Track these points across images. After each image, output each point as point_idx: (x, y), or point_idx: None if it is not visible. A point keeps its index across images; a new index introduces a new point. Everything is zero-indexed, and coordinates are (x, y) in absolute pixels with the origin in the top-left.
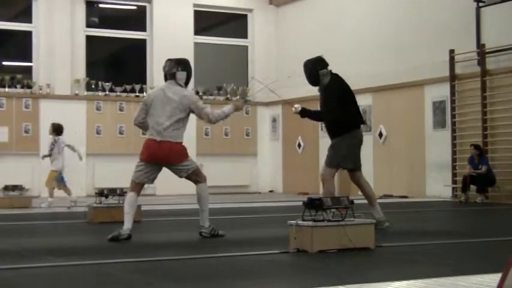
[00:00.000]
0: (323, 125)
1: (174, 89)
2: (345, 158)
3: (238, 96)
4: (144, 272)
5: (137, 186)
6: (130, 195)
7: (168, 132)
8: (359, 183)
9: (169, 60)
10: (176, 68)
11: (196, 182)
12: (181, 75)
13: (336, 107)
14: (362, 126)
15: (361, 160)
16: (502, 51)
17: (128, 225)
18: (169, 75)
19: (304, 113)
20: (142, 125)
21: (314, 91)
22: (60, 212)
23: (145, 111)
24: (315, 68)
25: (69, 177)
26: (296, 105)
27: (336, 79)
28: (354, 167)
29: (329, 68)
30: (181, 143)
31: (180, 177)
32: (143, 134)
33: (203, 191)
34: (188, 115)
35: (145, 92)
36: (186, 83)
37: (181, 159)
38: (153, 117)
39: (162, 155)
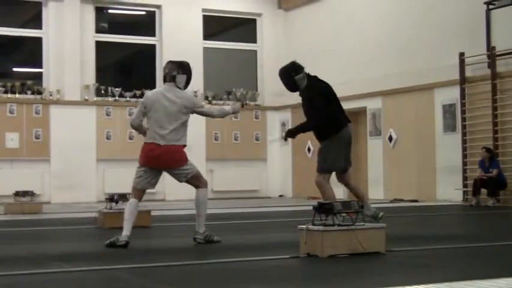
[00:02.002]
0: None
1: (175, 92)
2: (336, 160)
3: (237, 100)
4: (153, 277)
5: (139, 193)
6: (131, 202)
7: (171, 135)
8: (348, 183)
9: (170, 62)
10: (177, 70)
11: (196, 186)
12: (181, 78)
13: (323, 107)
14: (350, 125)
15: (351, 158)
16: None
17: (126, 232)
18: (169, 78)
19: (293, 132)
20: (138, 127)
21: None
22: (70, 218)
23: (144, 114)
24: (291, 75)
25: (79, 183)
26: (282, 135)
27: (314, 80)
28: (345, 167)
29: (306, 70)
30: (185, 146)
31: (180, 181)
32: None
33: (203, 196)
34: (189, 117)
35: None
36: (185, 87)
37: (181, 163)
38: (155, 121)
39: (164, 160)
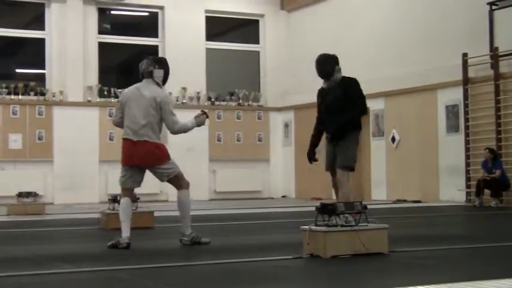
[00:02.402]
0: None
1: (150, 87)
2: (356, 159)
3: (199, 111)
4: (155, 278)
5: (127, 192)
6: (123, 202)
7: (143, 131)
8: (340, 181)
9: (146, 58)
10: (153, 65)
11: (178, 187)
12: (158, 73)
13: (358, 102)
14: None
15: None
16: None
17: (126, 233)
18: (146, 74)
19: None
20: (120, 125)
21: None
22: (73, 219)
23: (122, 111)
24: (333, 62)
25: (82, 184)
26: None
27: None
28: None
29: None
30: (159, 143)
31: (161, 181)
32: None
33: (185, 197)
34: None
35: None
36: (164, 82)
37: (160, 160)
38: (129, 117)
39: (140, 156)
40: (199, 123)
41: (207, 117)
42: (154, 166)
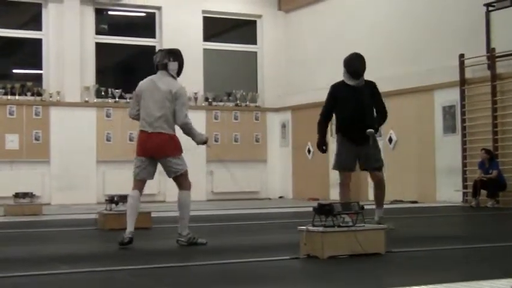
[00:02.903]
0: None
1: (165, 79)
2: None
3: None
4: (153, 279)
5: (139, 184)
6: (132, 196)
7: (159, 123)
8: (383, 181)
9: (160, 50)
10: (168, 58)
11: (180, 187)
12: (173, 65)
13: (384, 105)
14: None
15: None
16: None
17: (129, 228)
18: (160, 66)
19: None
20: (137, 117)
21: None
22: (70, 219)
23: (138, 103)
24: (365, 62)
25: (79, 184)
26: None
27: None
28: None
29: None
30: (174, 135)
31: (169, 176)
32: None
33: (186, 198)
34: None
35: None
36: (178, 74)
37: (173, 152)
38: (144, 109)
39: (155, 146)
40: (199, 138)
41: (206, 142)
42: (166, 157)
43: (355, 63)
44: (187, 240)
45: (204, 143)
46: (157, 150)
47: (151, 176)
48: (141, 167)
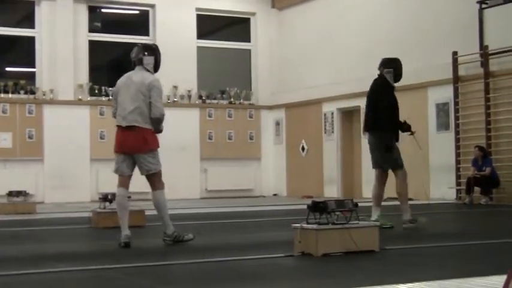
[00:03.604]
0: (329, 128)
1: (139, 73)
2: None
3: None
4: (146, 277)
5: (121, 180)
6: (119, 194)
7: (132, 116)
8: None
9: (136, 46)
10: (143, 53)
11: (153, 187)
12: (148, 60)
13: None
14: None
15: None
16: (505, 52)
17: (123, 231)
18: (136, 61)
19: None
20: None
21: (313, 95)
22: (64, 218)
23: (116, 101)
24: None
25: (73, 182)
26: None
27: None
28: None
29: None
30: (149, 129)
31: (141, 173)
32: None
33: (160, 198)
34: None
35: None
36: (155, 69)
37: (145, 148)
38: (120, 104)
39: (128, 143)
40: (162, 130)
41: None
42: (140, 153)
43: (401, 68)
44: (173, 239)
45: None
46: (128, 146)
47: (131, 171)
48: (119, 163)
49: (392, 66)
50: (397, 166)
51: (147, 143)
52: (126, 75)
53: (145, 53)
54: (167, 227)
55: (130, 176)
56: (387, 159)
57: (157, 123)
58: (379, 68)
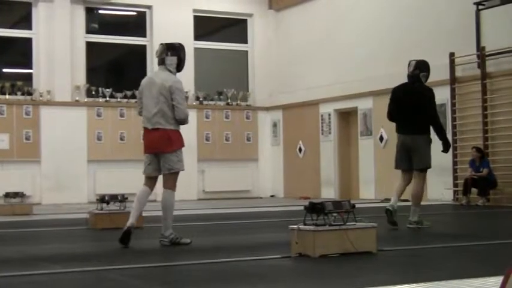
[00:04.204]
0: (326, 129)
1: (161, 74)
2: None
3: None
4: (144, 278)
5: (147, 180)
6: (141, 190)
7: (155, 118)
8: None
9: (161, 44)
10: (166, 53)
11: (165, 184)
12: (170, 60)
13: None
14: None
15: (399, 160)
16: (502, 53)
17: (131, 219)
18: (159, 61)
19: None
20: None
21: (311, 96)
22: (61, 219)
23: (141, 100)
24: None
25: (70, 184)
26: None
27: None
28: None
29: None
30: (173, 129)
31: (162, 172)
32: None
33: (170, 199)
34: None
35: None
36: (178, 69)
37: (168, 148)
38: (144, 106)
39: (153, 143)
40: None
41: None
42: (164, 152)
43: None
44: (170, 241)
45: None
46: (154, 147)
47: (157, 172)
48: (146, 164)
49: (427, 70)
50: (427, 168)
51: (171, 143)
52: (149, 75)
53: (168, 53)
54: (166, 229)
55: (156, 178)
56: (426, 160)
57: (182, 123)
58: (413, 71)
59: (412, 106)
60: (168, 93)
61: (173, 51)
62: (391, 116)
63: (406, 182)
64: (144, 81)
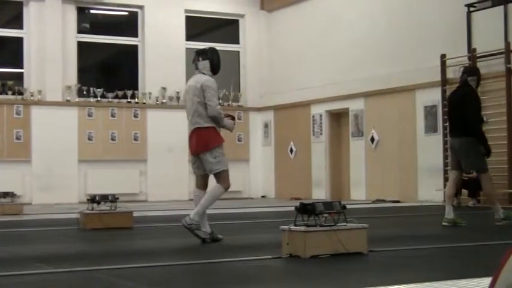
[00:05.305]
0: (318, 130)
1: (196, 77)
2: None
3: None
4: (133, 279)
5: (197, 180)
6: (194, 193)
7: (194, 119)
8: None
9: (195, 51)
10: (197, 58)
11: (217, 182)
12: (202, 64)
13: None
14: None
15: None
16: (492, 55)
17: (203, 228)
18: (195, 66)
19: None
20: None
21: (302, 97)
22: (51, 219)
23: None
24: None
25: (61, 184)
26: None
27: None
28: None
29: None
30: (211, 128)
31: (209, 172)
32: (135, 140)
33: (213, 191)
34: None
35: (137, 98)
36: (214, 71)
37: (207, 146)
38: (186, 109)
39: (193, 144)
40: (229, 126)
41: (233, 120)
42: (202, 152)
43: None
44: (189, 225)
45: (231, 126)
46: (193, 147)
47: (201, 171)
48: (192, 163)
49: (476, 74)
50: (480, 170)
51: (208, 142)
52: (189, 81)
53: (199, 58)
54: (196, 215)
55: (203, 176)
56: (475, 162)
57: (215, 121)
58: (462, 76)
59: (458, 109)
60: (200, 93)
61: (204, 56)
62: (448, 120)
63: (452, 182)
64: (186, 87)
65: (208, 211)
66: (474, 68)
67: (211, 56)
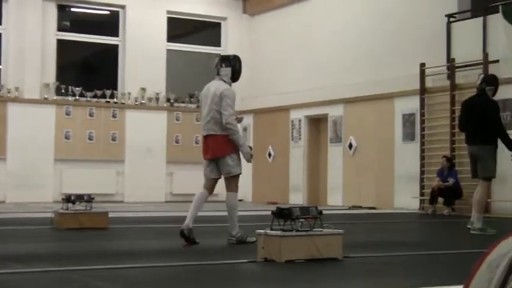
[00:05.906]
0: (296, 135)
1: (216, 83)
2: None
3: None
4: (108, 280)
5: (206, 182)
6: (199, 192)
7: (209, 125)
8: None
9: (216, 56)
10: (220, 64)
11: (228, 188)
12: (224, 71)
13: None
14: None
15: (476, 170)
16: (471, 66)
17: (186, 221)
18: (216, 72)
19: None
20: None
21: (282, 101)
22: (25, 218)
23: (200, 109)
24: None
25: (36, 182)
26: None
27: None
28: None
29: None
30: (226, 135)
31: (222, 175)
32: (113, 140)
33: (232, 200)
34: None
35: (116, 98)
36: (234, 79)
37: (224, 152)
38: (202, 114)
39: (208, 150)
40: (245, 150)
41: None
42: (219, 157)
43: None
44: (237, 239)
45: (248, 156)
46: (209, 153)
47: (214, 175)
48: (205, 166)
49: (494, 84)
50: (490, 177)
51: (224, 148)
52: (207, 85)
53: (223, 64)
54: (233, 228)
55: (214, 180)
56: (489, 169)
57: (227, 130)
58: (480, 84)
59: (476, 118)
60: (219, 101)
61: (227, 63)
62: (461, 127)
63: (486, 189)
64: (203, 91)
65: (187, 213)
66: (493, 78)
67: (234, 63)
